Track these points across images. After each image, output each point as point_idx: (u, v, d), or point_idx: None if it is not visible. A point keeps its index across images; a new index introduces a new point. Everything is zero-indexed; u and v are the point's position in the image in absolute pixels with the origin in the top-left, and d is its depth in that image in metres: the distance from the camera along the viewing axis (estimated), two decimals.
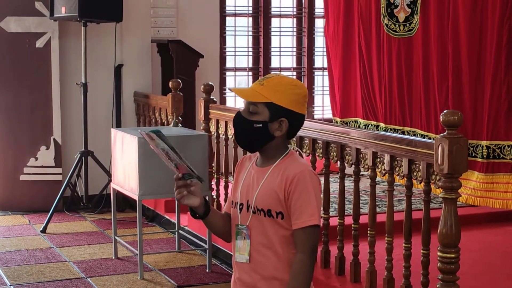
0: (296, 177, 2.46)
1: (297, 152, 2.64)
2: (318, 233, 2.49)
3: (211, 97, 6.05)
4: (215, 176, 6.01)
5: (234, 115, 2.58)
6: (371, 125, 7.09)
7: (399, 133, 6.56)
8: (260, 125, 2.50)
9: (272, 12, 8.88)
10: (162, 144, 2.40)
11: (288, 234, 2.49)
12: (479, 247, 5.25)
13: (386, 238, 4.11)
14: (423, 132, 6.41)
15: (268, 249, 2.51)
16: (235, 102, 8.60)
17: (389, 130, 6.75)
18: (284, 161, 2.53)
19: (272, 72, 8.71)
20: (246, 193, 2.56)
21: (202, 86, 6.04)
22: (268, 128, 2.50)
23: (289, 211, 2.47)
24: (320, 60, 9.15)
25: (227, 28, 8.66)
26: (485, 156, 5.71)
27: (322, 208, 4.78)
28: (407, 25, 6.57)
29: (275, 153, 2.54)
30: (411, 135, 6.39)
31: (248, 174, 2.59)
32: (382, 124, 6.91)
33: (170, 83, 6.62)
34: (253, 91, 2.51)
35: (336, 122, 7.56)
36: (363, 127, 7.15)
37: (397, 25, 6.69)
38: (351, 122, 7.43)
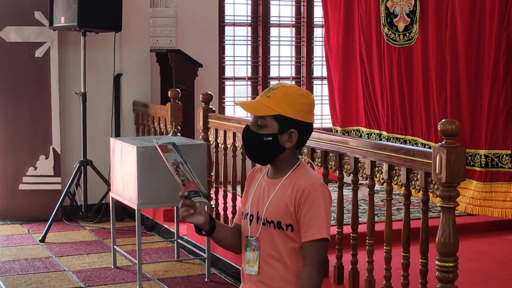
0: (306, 190, 2.44)
1: (309, 164, 2.61)
2: (327, 247, 2.47)
3: (210, 107, 6.06)
4: (214, 185, 6.02)
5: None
6: (374, 134, 7.09)
7: (401, 142, 6.57)
8: (270, 138, 2.48)
9: (271, 22, 8.90)
10: (177, 157, 2.37)
11: (298, 247, 2.47)
12: (477, 256, 5.24)
13: (384, 247, 4.11)
14: (423, 141, 6.42)
15: (277, 261, 2.50)
16: (234, 112, 8.60)
17: (391, 139, 6.75)
18: (295, 173, 2.51)
19: (272, 82, 8.83)
20: (256, 205, 2.55)
21: (201, 96, 6.05)
22: (278, 140, 2.48)
23: (298, 224, 2.45)
24: (319, 69, 9.16)
25: (226, 38, 8.67)
26: (483, 165, 5.71)
27: None
28: (407, 34, 6.58)
29: (286, 164, 2.52)
30: (412, 144, 6.40)
31: (259, 185, 2.58)
32: (385, 133, 6.91)
33: (169, 93, 6.63)
34: (259, 104, 2.48)
35: (337, 131, 7.56)
36: (366, 136, 7.16)
37: (397, 35, 6.70)
38: (352, 131, 7.43)
